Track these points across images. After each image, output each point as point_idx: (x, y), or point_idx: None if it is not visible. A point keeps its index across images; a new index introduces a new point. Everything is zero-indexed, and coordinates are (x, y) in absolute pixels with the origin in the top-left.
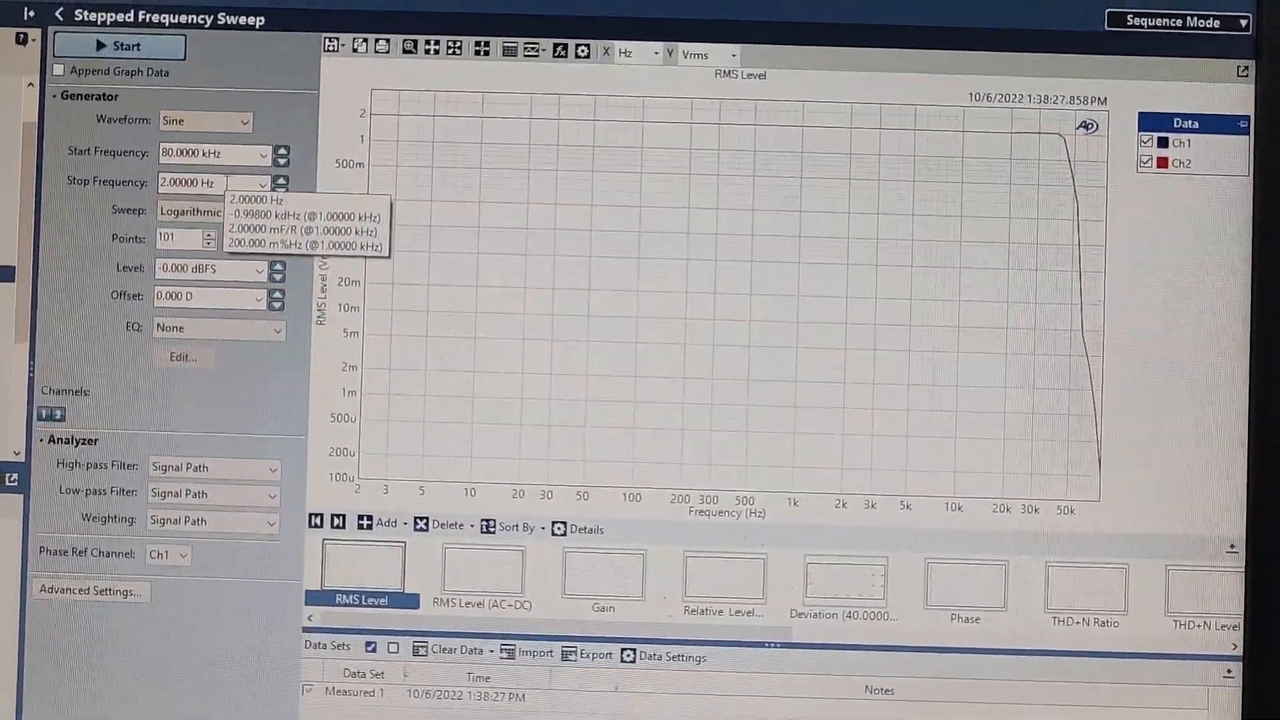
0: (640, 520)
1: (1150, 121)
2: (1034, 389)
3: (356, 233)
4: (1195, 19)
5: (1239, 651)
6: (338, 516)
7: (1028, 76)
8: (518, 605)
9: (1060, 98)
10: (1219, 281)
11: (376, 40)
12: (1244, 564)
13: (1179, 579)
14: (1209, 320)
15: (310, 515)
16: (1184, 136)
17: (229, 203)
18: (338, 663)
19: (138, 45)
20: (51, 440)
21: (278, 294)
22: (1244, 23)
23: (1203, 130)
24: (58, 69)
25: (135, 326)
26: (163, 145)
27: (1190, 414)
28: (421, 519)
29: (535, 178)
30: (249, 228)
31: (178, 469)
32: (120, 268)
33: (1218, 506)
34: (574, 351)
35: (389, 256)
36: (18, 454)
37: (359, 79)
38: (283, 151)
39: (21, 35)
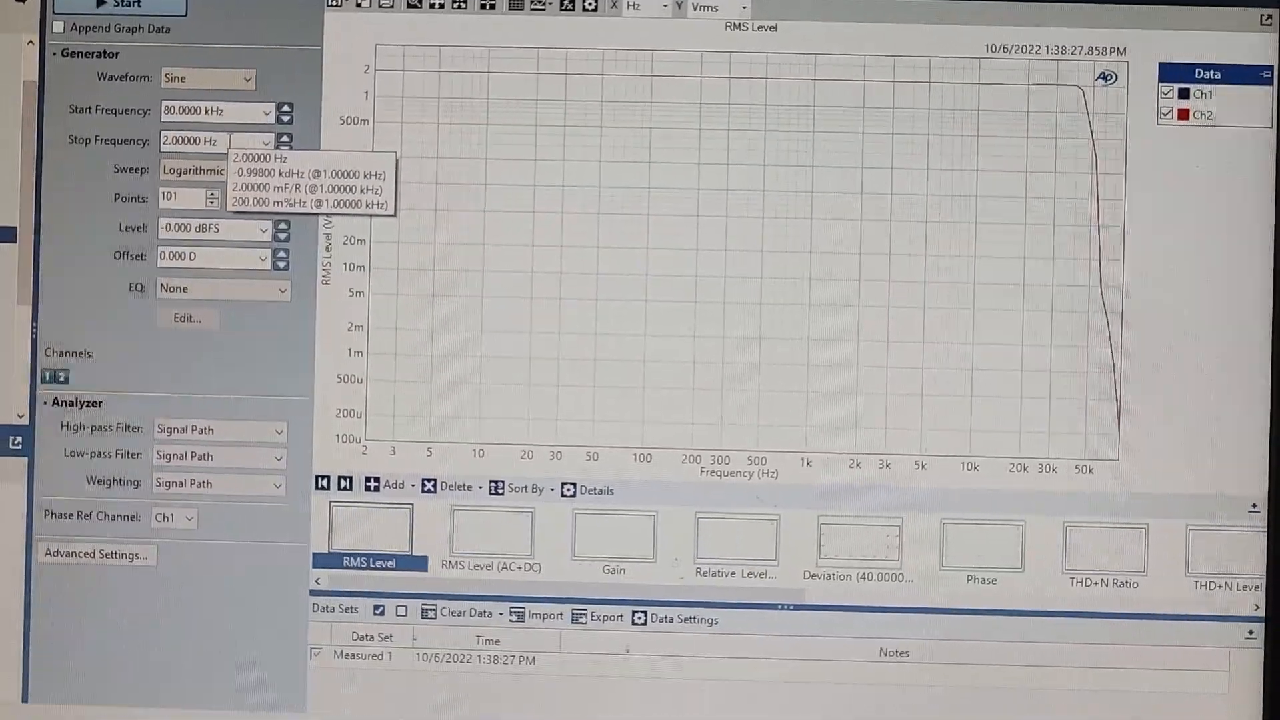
0: (651, 481)
1: (1171, 72)
2: (1052, 346)
3: (361, 190)
4: None
5: (1261, 612)
6: (344, 478)
7: (1045, 27)
8: (527, 567)
9: (1078, 48)
10: (1241, 235)
11: None
12: (1266, 523)
13: (1200, 539)
14: (1231, 275)
15: (317, 477)
16: (1205, 87)
17: (232, 161)
18: (346, 626)
19: (138, 1)
20: (55, 403)
21: (282, 253)
22: None
23: (1225, 81)
24: (58, 26)
25: (138, 287)
26: (164, 103)
27: (1211, 370)
28: (429, 480)
29: (542, 133)
30: (252, 186)
31: (183, 431)
32: (123, 228)
33: (1239, 465)
34: (583, 310)
35: (394, 215)
36: (21, 417)
37: (363, 34)
38: (286, 109)
39: None
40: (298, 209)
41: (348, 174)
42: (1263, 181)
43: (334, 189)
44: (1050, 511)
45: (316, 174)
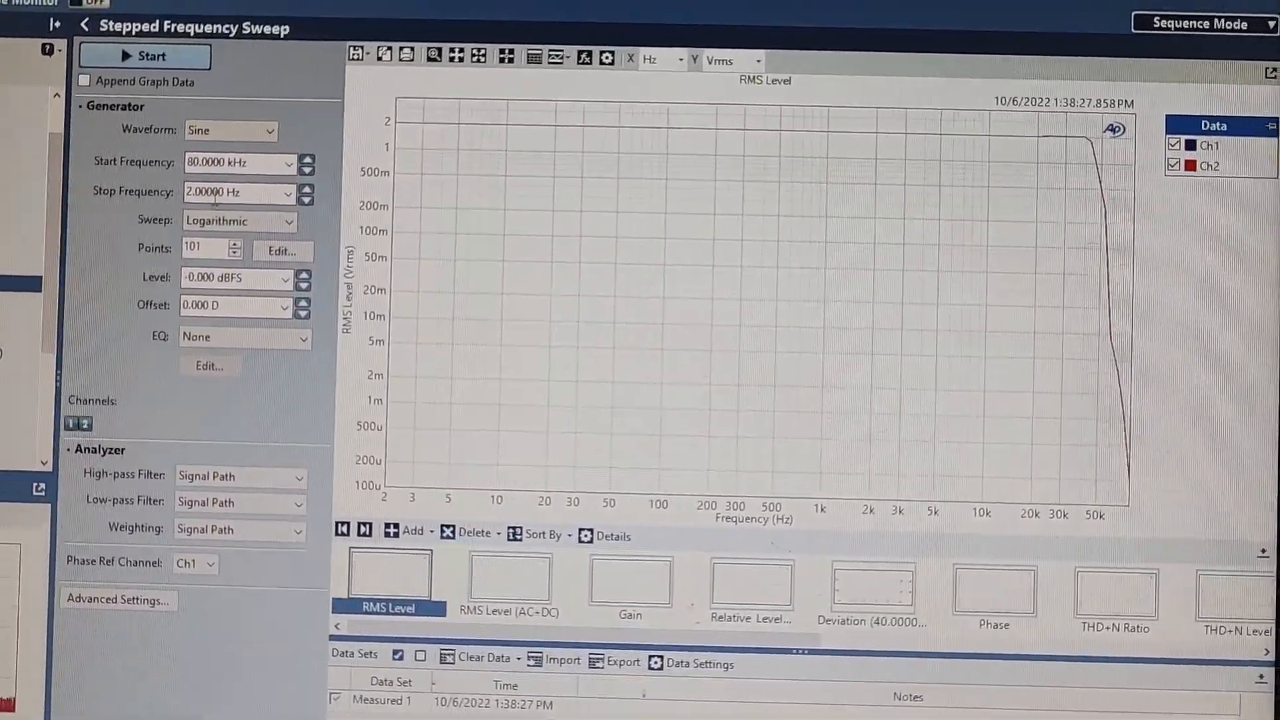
0: (667, 527)
1: (1178, 124)
2: (1062, 393)
3: (381, 241)
4: (1222, 21)
5: (1271, 656)
6: (364, 524)
7: (1054, 80)
8: (545, 612)
9: (1087, 101)
10: (1248, 284)
11: (401, 48)
12: (1276, 568)
13: (1210, 584)
14: (1238, 323)
15: (337, 523)
16: (1212, 139)
17: (254, 211)
18: (365, 671)
19: (163, 55)
20: (79, 450)
21: (304, 302)
22: (1272, 24)
23: (1231, 132)
24: (83, 79)
25: (161, 335)
26: (188, 155)
27: (1220, 417)
28: (448, 527)
29: (560, 185)
30: (275, 236)
31: (204, 478)
32: (146, 277)
33: (1248, 510)
34: (600, 358)
35: (414, 264)
36: (45, 463)
37: (383, 87)
38: (308, 160)
39: (47, 46)
40: (319, 259)
41: (368, 225)
42: (1269, 231)
43: (354, 239)
44: (1062, 557)
45: (337, 224)
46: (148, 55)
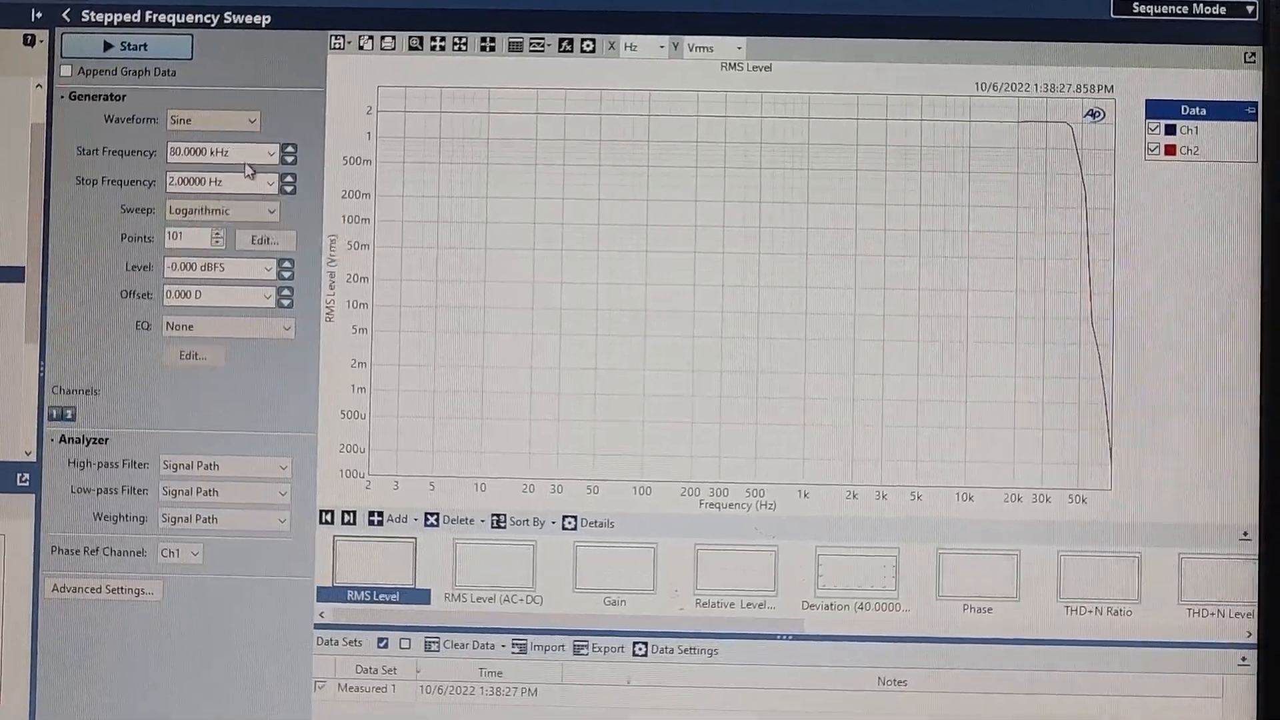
0: (650, 514)
1: (1158, 109)
2: (1044, 378)
3: (364, 230)
4: (1201, 5)
5: (1253, 639)
6: (348, 513)
7: (1034, 65)
8: (529, 600)
9: (1067, 86)
10: (1228, 268)
11: (382, 37)
12: (1258, 551)
13: (1192, 567)
14: (1219, 306)
15: (321, 512)
16: (1191, 123)
17: (237, 201)
18: (350, 659)
19: (145, 45)
20: (62, 440)
21: (287, 291)
22: (1250, 9)
23: (1210, 117)
24: (65, 70)
25: (145, 325)
26: (170, 144)
27: (1201, 400)
28: (432, 514)
29: (542, 172)
30: (257, 225)
31: (188, 467)
32: (129, 267)
33: (1230, 493)
34: (582, 345)
35: (397, 252)
36: (29, 454)
37: (365, 76)
38: (290, 149)
39: (29, 37)
40: (302, 248)
41: (351, 214)
42: (1249, 214)
43: (337, 228)
44: (1044, 541)
45: (320, 213)
46: (129, 45)
